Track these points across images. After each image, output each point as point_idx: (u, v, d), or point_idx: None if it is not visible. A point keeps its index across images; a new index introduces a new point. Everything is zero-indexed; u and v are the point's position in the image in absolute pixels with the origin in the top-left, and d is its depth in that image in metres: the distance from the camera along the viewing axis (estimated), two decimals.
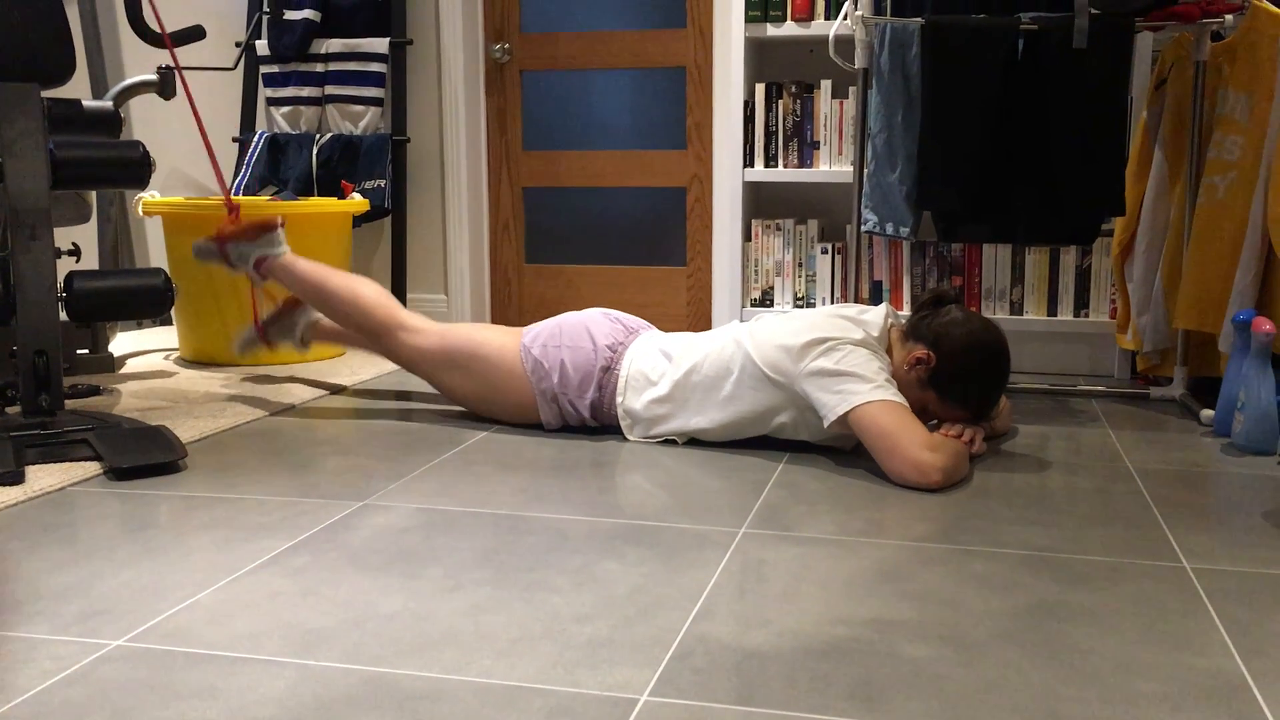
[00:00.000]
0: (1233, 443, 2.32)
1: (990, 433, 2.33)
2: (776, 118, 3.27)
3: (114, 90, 3.08)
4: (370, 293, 2.56)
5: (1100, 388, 2.89)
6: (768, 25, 3.22)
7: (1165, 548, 1.70)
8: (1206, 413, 2.51)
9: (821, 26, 3.17)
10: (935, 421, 2.21)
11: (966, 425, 2.18)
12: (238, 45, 3.80)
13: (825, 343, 2.12)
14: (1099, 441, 2.38)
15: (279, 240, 2.64)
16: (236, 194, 3.67)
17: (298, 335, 2.83)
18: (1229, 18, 2.57)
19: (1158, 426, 2.52)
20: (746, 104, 3.29)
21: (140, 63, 3.95)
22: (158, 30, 2.85)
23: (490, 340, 2.44)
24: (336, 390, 2.89)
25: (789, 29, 3.21)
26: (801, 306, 3.33)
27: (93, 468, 2.12)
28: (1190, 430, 2.49)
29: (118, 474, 2.08)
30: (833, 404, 2.08)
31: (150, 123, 3.97)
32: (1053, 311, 3.13)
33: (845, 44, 2.88)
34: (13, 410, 2.50)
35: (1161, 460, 2.22)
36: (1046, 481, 2.07)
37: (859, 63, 2.79)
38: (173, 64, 2.97)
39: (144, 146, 2.39)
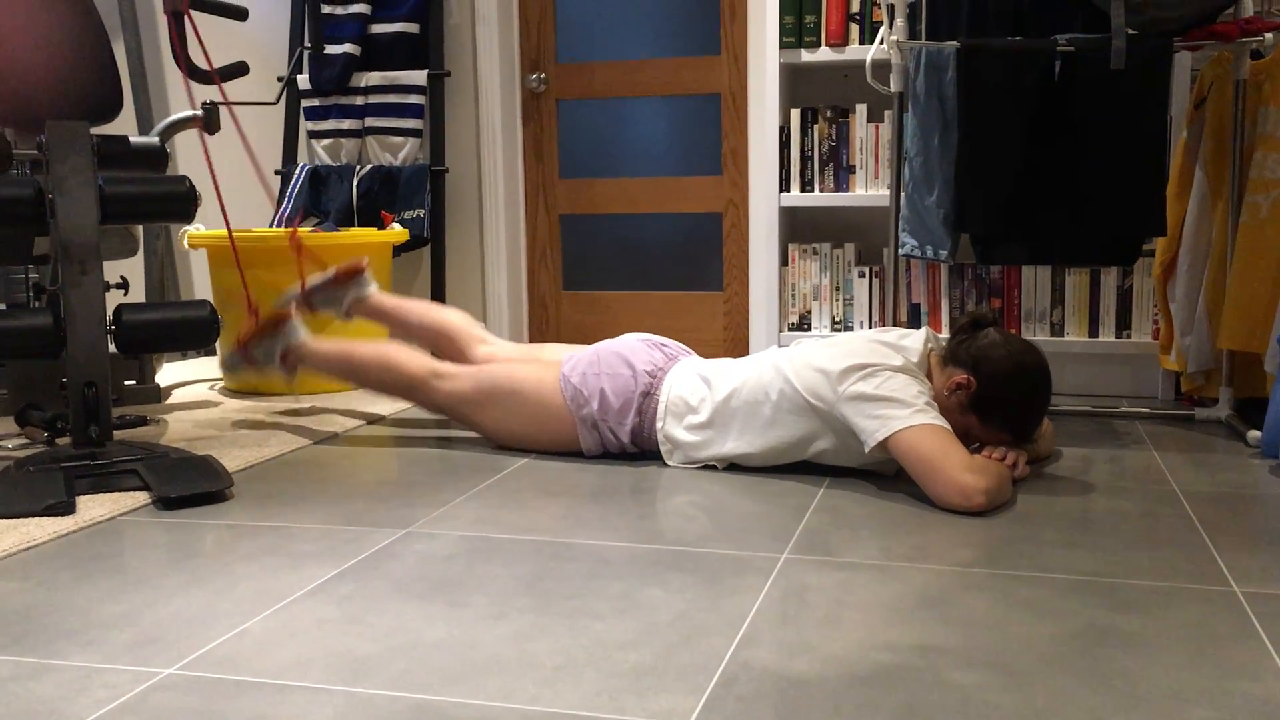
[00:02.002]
0: None
1: (1033, 456, 2.32)
2: (812, 142, 3.28)
3: (160, 126, 3.13)
4: (400, 352, 2.60)
5: (1144, 409, 2.86)
6: (802, 51, 3.23)
7: (1214, 572, 1.68)
8: (1253, 434, 2.48)
9: (856, 51, 3.18)
10: (977, 445, 2.20)
11: (1009, 448, 2.17)
12: (279, 80, 3.87)
13: (865, 368, 2.12)
14: (1144, 464, 2.36)
15: (297, 328, 2.71)
16: (278, 225, 3.73)
17: (344, 307, 2.83)
18: (1268, 36, 2.55)
19: (1204, 448, 2.50)
20: (782, 129, 3.30)
21: (185, 98, 4.02)
22: (204, 68, 2.91)
23: (526, 374, 2.46)
24: (376, 419, 2.92)
25: (823, 54, 3.22)
26: (839, 330, 3.33)
27: (141, 497, 2.15)
28: (1237, 452, 2.46)
29: (166, 504, 2.11)
30: (873, 429, 2.07)
31: (195, 156, 4.04)
32: (1094, 333, 3.10)
33: (881, 68, 2.89)
34: (63, 441, 2.54)
35: (1208, 482, 2.20)
36: (1091, 505, 2.05)
37: (895, 87, 2.80)
38: (217, 100, 3.03)
39: (190, 181, 2.44)
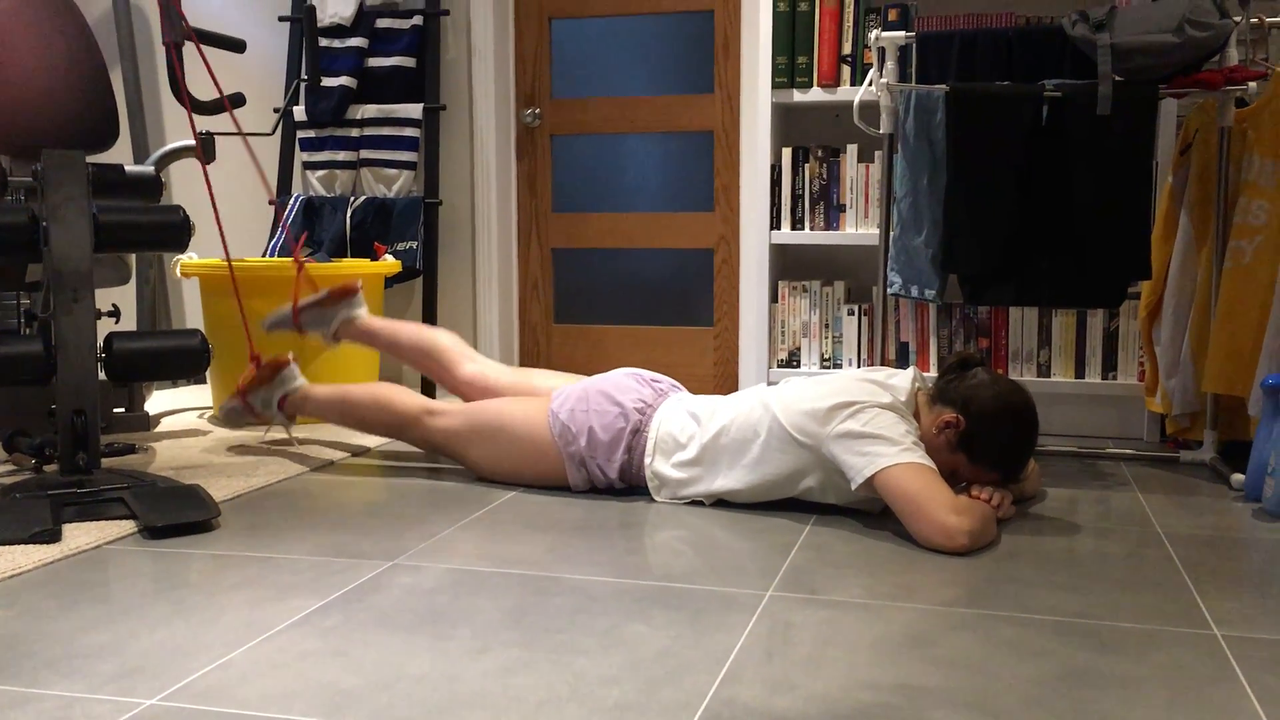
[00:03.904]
0: (1264, 508, 2.30)
1: (1019, 495, 2.33)
2: (803, 181, 3.31)
3: (155, 155, 3.15)
4: (393, 391, 2.65)
5: (1129, 451, 2.88)
6: (794, 91, 3.27)
7: (1196, 615, 1.69)
8: (1237, 477, 2.49)
9: (847, 92, 3.22)
10: (964, 484, 2.21)
11: (995, 488, 2.18)
12: (276, 111, 3.89)
13: (853, 406, 2.13)
14: (1129, 505, 2.37)
15: (294, 375, 2.74)
16: (271, 255, 3.74)
17: (331, 330, 2.84)
18: (1252, 85, 2.59)
19: (1188, 491, 2.51)
20: (773, 168, 3.33)
21: (181, 128, 4.05)
22: (206, 98, 2.93)
23: (515, 411, 2.47)
24: (365, 451, 2.92)
25: (815, 95, 3.26)
26: (828, 368, 3.34)
27: (127, 526, 2.15)
28: (1221, 495, 2.47)
29: (152, 533, 2.11)
30: (860, 466, 2.08)
31: (189, 185, 4.06)
32: (1080, 374, 3.12)
33: (871, 109, 2.92)
34: (50, 468, 2.54)
35: (1192, 525, 2.21)
36: (1076, 546, 2.06)
37: (884, 128, 2.83)
38: (214, 130, 3.05)
39: (184, 211, 2.45)
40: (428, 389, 3.76)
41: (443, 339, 2.77)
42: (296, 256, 2.93)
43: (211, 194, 2.72)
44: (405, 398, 2.62)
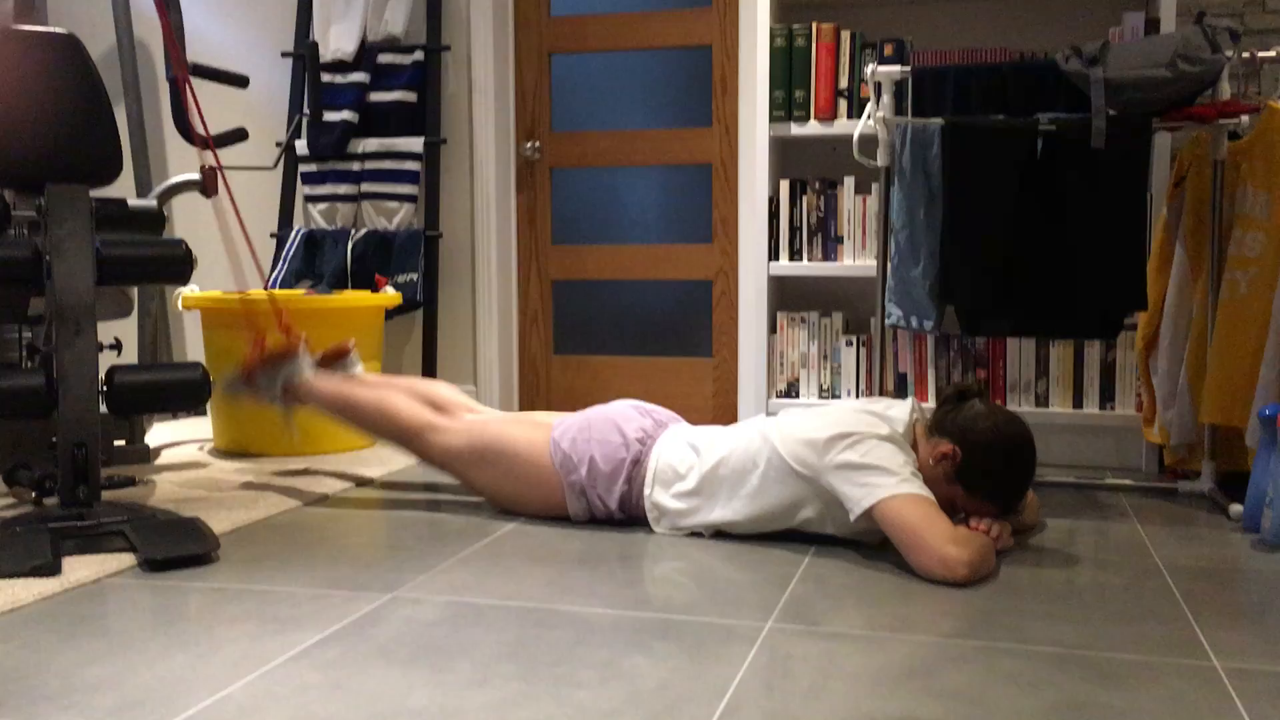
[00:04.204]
0: (1262, 539, 2.31)
1: (1018, 526, 2.33)
2: (801, 213, 3.34)
3: (158, 189, 3.18)
4: (397, 400, 2.61)
5: (1128, 481, 2.88)
6: (791, 124, 3.30)
7: (1196, 646, 1.69)
8: (1235, 508, 2.50)
9: (844, 126, 3.25)
10: (962, 515, 2.22)
11: (993, 519, 2.19)
12: (278, 145, 3.92)
13: (851, 437, 2.14)
14: (1127, 536, 2.37)
15: (303, 365, 2.72)
16: (273, 288, 3.76)
17: (278, 391, 2.82)
18: (1244, 118, 2.62)
19: (1187, 521, 2.51)
20: (771, 200, 3.35)
21: (183, 161, 4.08)
22: (203, 133, 2.96)
23: (518, 436, 2.47)
24: (366, 482, 2.93)
25: (812, 128, 3.29)
26: (827, 398, 3.35)
27: (127, 559, 2.15)
28: (1219, 526, 2.47)
29: (151, 566, 2.11)
30: (858, 497, 2.09)
31: (191, 218, 4.09)
32: (1078, 404, 3.13)
33: (868, 143, 2.95)
34: (51, 501, 2.54)
35: (1191, 556, 2.21)
36: (1075, 577, 2.06)
37: (881, 161, 2.86)
38: (216, 164, 3.08)
39: (186, 244, 2.47)
40: (429, 377, 3.75)
41: (441, 390, 2.69)
42: (278, 313, 2.87)
43: (240, 220, 2.74)
44: (409, 409, 2.59)
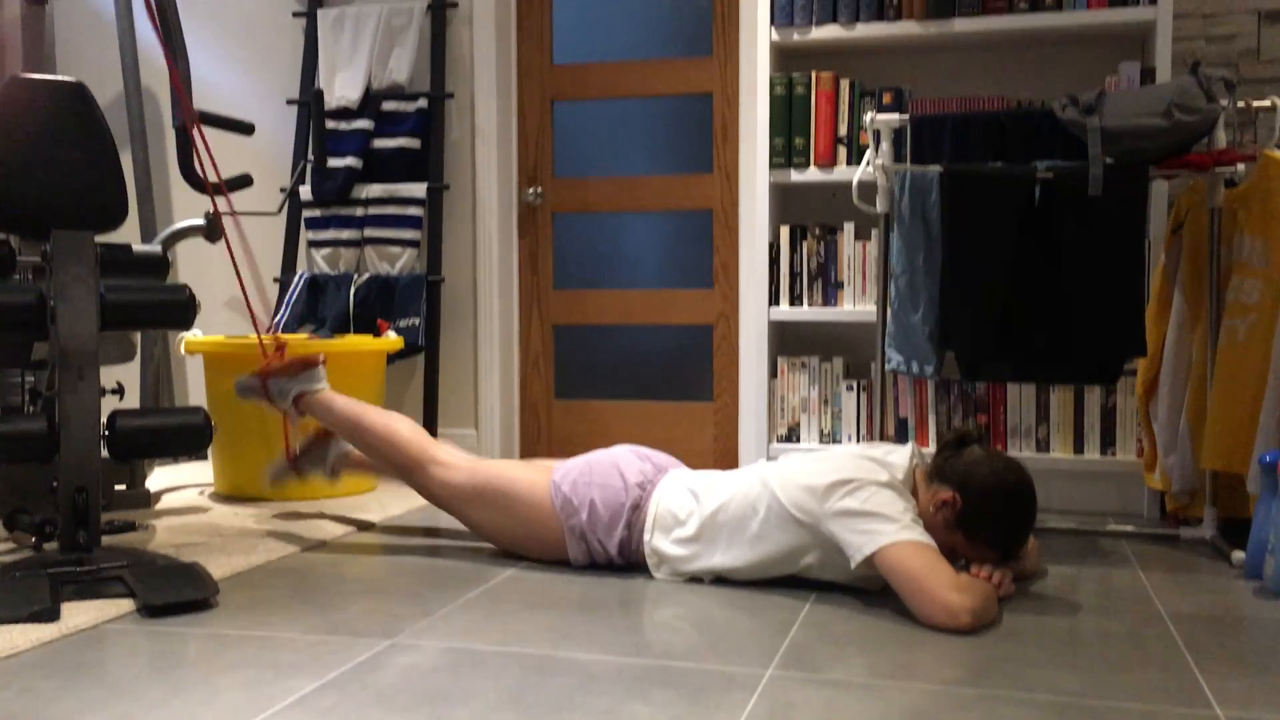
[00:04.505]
0: (1265, 586, 2.30)
1: (1019, 573, 2.33)
2: (801, 258, 3.36)
3: (163, 235, 3.20)
4: (405, 429, 2.63)
5: (1129, 528, 2.88)
6: (791, 171, 3.33)
7: (1198, 695, 1.68)
8: (1238, 555, 2.49)
9: (844, 172, 3.27)
10: (963, 562, 2.21)
11: (995, 566, 2.18)
12: (282, 191, 3.96)
13: (851, 483, 2.14)
14: (1129, 583, 2.37)
15: (319, 377, 2.75)
16: (276, 332, 3.77)
17: (328, 466, 2.89)
18: (1240, 166, 2.64)
19: (1189, 568, 2.51)
20: (772, 245, 3.38)
21: (187, 207, 4.11)
22: (211, 180, 2.99)
23: (520, 477, 2.48)
24: (366, 526, 2.92)
25: (812, 174, 3.31)
26: (828, 443, 3.35)
27: (126, 605, 2.15)
28: (1221, 572, 2.47)
29: (150, 611, 2.11)
30: (859, 544, 2.09)
31: (195, 263, 4.11)
32: (1079, 450, 3.13)
33: (867, 189, 2.97)
34: (50, 546, 2.54)
35: (1193, 603, 2.20)
36: (1077, 624, 2.05)
37: (881, 207, 2.88)
38: (219, 210, 3.10)
39: (189, 290, 2.48)
40: (430, 421, 3.76)
41: (402, 430, 2.67)
42: (261, 343, 2.89)
43: (236, 268, 2.76)
44: (415, 440, 2.60)
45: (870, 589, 2.25)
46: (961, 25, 3.16)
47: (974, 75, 3.40)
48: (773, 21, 3.31)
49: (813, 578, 2.27)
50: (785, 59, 3.47)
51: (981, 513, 2.16)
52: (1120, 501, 3.14)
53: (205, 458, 4.02)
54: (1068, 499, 3.18)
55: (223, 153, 3.97)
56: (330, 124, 3.82)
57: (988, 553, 2.19)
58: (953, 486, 2.18)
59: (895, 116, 2.89)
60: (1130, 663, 1.83)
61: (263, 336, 2.95)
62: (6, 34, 3.91)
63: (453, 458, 2.57)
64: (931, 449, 3.18)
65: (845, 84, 3.29)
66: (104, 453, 2.38)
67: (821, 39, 3.29)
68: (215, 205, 3.05)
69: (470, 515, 2.53)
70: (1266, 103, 2.72)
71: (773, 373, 3.41)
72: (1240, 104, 2.71)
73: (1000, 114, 2.82)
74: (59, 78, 2.47)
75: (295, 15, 3.97)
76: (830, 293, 3.34)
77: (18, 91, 2.42)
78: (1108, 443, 3.11)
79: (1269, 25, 3.18)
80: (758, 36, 3.34)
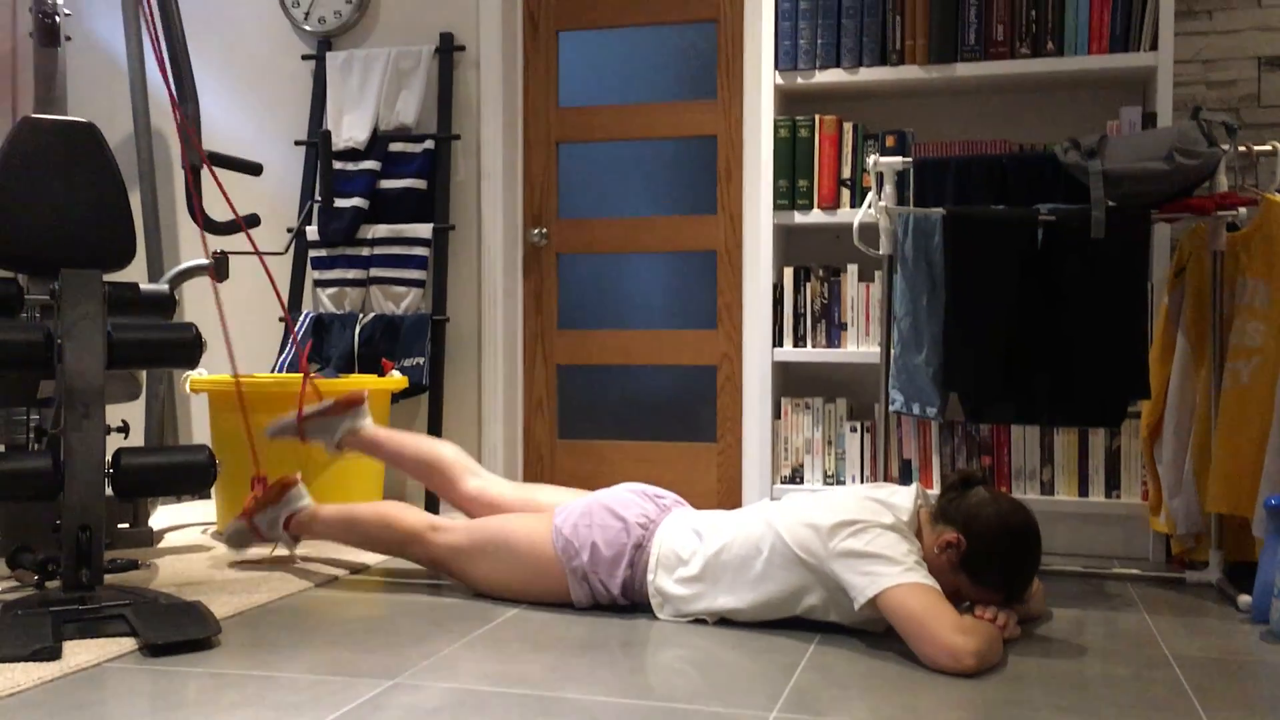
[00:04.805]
0: (1271, 630, 2.29)
1: (1024, 616, 2.31)
2: (805, 300, 3.37)
3: (170, 274, 3.22)
4: (393, 508, 2.67)
5: (1135, 571, 2.87)
6: (795, 213, 3.35)
7: None
8: (1244, 598, 2.48)
9: (847, 214, 3.29)
10: (968, 604, 2.20)
11: (999, 608, 2.17)
12: (289, 231, 3.98)
13: (855, 525, 2.14)
14: (1135, 627, 2.35)
15: (301, 494, 2.78)
16: (281, 372, 3.78)
17: (335, 439, 2.86)
18: (1242, 210, 2.65)
19: (1195, 612, 2.49)
20: (775, 286, 3.39)
21: (195, 247, 4.13)
22: (223, 219, 3.01)
23: (519, 526, 2.48)
24: (367, 567, 2.91)
25: (816, 216, 3.33)
26: (831, 484, 3.35)
27: (128, 643, 2.14)
28: (1228, 616, 2.45)
29: (152, 650, 2.10)
30: (863, 586, 2.08)
31: (201, 302, 4.13)
32: (1084, 492, 3.12)
33: (870, 231, 2.99)
34: (53, 584, 2.53)
35: (1200, 647, 2.19)
36: (1083, 667, 2.04)
37: (884, 249, 2.89)
38: (226, 250, 3.13)
39: (196, 329, 2.50)
40: (431, 506, 3.77)
41: (446, 452, 2.79)
42: (303, 365, 2.96)
43: (221, 313, 2.78)
44: (409, 515, 2.63)
45: (874, 631, 2.24)
46: (964, 70, 3.19)
47: (976, 119, 3.42)
48: (777, 65, 3.35)
49: (817, 619, 2.26)
50: (789, 102, 3.50)
51: (986, 554, 2.16)
52: (1125, 544, 3.13)
53: (208, 497, 4.02)
54: (1072, 541, 3.16)
55: (231, 193, 4.00)
56: (338, 165, 3.86)
57: (992, 595, 2.18)
58: (957, 528, 2.18)
59: (898, 159, 2.92)
60: (1136, 706, 1.81)
61: (264, 376, 2.96)
62: (19, 75, 3.96)
63: (449, 520, 2.58)
64: (936, 490, 3.18)
65: (848, 127, 3.31)
66: (108, 491, 2.38)
67: (825, 83, 3.32)
68: (252, 239, 3.07)
69: (473, 571, 2.53)
70: (1267, 147, 2.74)
71: (776, 413, 3.41)
72: (1241, 148, 2.73)
73: (1002, 157, 2.84)
74: (70, 119, 2.50)
75: (304, 58, 4.02)
76: (834, 334, 3.35)
77: (29, 132, 2.45)
78: (1112, 485, 3.11)
79: (1269, 71, 3.22)
80: (762, 80, 3.38)
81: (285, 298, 4.00)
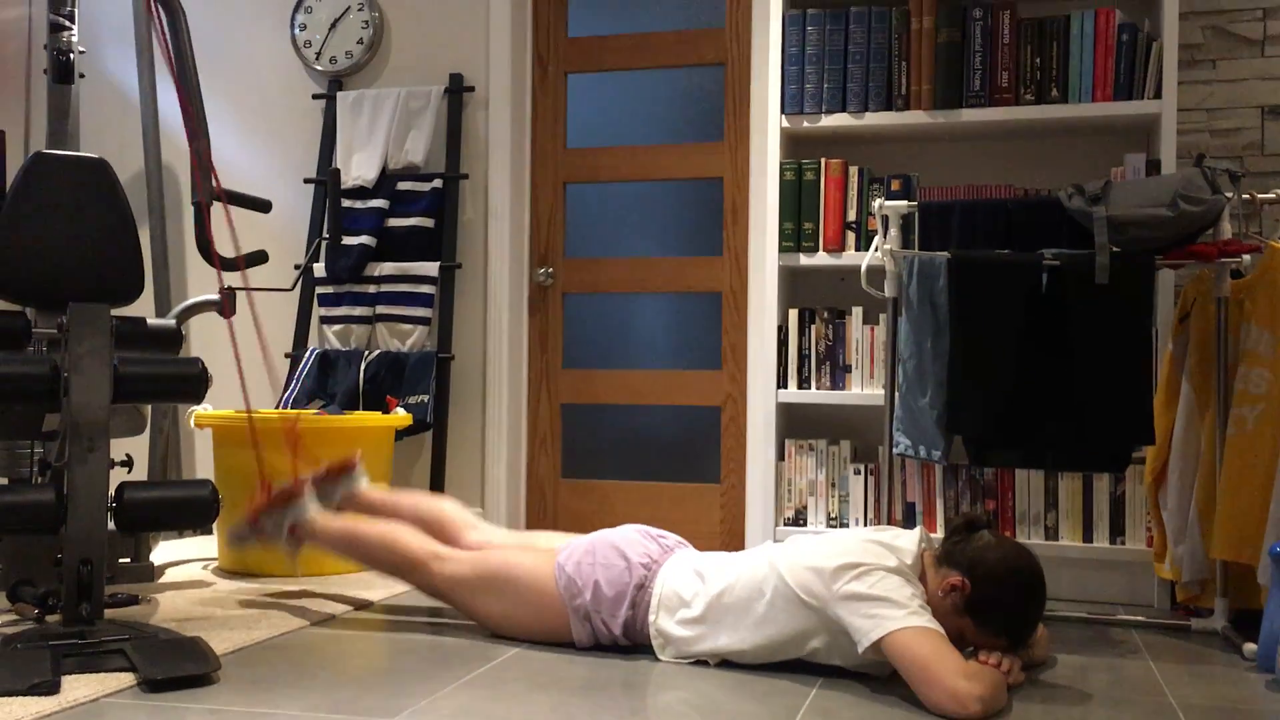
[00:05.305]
0: (1277, 679, 2.27)
1: (1028, 661, 2.30)
2: (809, 341, 3.37)
3: (177, 309, 3.24)
4: (403, 532, 2.65)
5: (1140, 618, 2.85)
6: (800, 255, 3.36)
7: None
8: (1249, 646, 2.46)
9: (852, 257, 3.31)
10: (972, 649, 2.19)
11: (1004, 653, 2.16)
12: (296, 268, 4.00)
13: (858, 567, 2.13)
14: (1141, 674, 2.33)
15: (307, 505, 2.76)
16: (285, 407, 3.79)
17: (284, 532, 2.83)
18: (1246, 257, 2.66)
19: (1200, 660, 2.47)
20: (780, 328, 3.40)
21: (202, 281, 4.16)
22: (231, 255, 3.03)
23: (523, 561, 2.47)
24: (369, 604, 2.90)
25: (821, 259, 3.35)
26: (835, 526, 3.34)
27: (127, 678, 2.13)
28: (1233, 664, 2.43)
29: (151, 685, 2.09)
30: (867, 629, 2.07)
31: (207, 337, 4.14)
32: (1088, 538, 3.11)
33: (876, 274, 3.00)
34: (53, 618, 2.52)
35: (1205, 696, 2.17)
36: (1088, 714, 2.02)
37: (889, 292, 2.90)
38: (235, 286, 3.14)
39: (202, 363, 2.50)
40: None
41: (446, 508, 2.77)
42: (289, 432, 2.92)
43: (236, 349, 2.80)
44: (414, 540, 2.61)
45: (878, 675, 2.23)
46: (969, 115, 3.22)
47: (981, 164, 3.45)
48: (783, 109, 3.37)
49: (819, 662, 2.24)
50: (795, 145, 3.53)
51: (991, 598, 2.15)
52: (1130, 591, 3.11)
53: (210, 532, 4.01)
54: (1077, 587, 3.15)
55: (240, 229, 4.03)
56: (346, 202, 3.88)
57: (997, 640, 2.17)
58: (962, 571, 2.17)
59: (903, 203, 2.93)
60: None
61: (268, 411, 2.96)
62: (33, 111, 4.01)
63: (453, 550, 2.57)
64: (939, 534, 3.16)
65: (854, 170, 3.34)
66: (110, 525, 2.37)
67: (831, 127, 3.35)
68: (246, 278, 3.09)
69: (474, 605, 2.52)
70: (1271, 195, 2.75)
71: (780, 455, 3.41)
72: (1245, 196, 2.74)
73: (1007, 202, 2.85)
74: (82, 154, 2.53)
75: (315, 97, 4.06)
76: (838, 376, 3.35)
77: (41, 167, 2.47)
78: (1117, 531, 3.09)
79: (1272, 120, 3.24)
80: (769, 123, 3.41)
81: (292, 335, 4.01)
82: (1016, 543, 2.23)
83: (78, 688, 2.05)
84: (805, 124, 3.36)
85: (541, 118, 3.94)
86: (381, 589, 3.05)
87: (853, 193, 3.34)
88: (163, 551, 3.62)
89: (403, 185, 3.87)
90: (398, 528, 2.66)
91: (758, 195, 3.64)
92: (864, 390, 3.32)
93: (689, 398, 3.79)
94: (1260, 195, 2.76)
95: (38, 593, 2.56)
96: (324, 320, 3.92)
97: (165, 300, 4.01)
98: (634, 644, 2.39)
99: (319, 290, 3.93)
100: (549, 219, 3.93)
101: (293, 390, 3.84)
